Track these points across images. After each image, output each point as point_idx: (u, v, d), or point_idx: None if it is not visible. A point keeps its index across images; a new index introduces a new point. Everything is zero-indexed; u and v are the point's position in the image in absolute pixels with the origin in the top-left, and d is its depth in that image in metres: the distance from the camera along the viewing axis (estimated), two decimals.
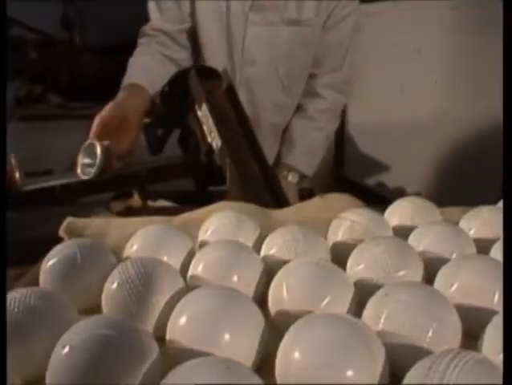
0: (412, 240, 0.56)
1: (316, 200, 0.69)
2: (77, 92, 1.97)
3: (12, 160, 0.72)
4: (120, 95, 0.93)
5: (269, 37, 1.04)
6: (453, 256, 0.52)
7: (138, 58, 1.04)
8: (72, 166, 0.79)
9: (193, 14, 1.05)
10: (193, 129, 0.85)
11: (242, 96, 0.98)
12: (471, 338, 0.38)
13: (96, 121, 0.85)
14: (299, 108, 1.18)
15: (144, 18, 1.09)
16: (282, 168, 1.15)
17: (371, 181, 1.67)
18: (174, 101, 0.89)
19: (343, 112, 1.32)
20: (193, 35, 1.08)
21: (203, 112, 0.80)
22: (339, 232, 0.58)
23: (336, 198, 0.70)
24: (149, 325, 0.41)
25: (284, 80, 1.10)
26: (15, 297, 0.39)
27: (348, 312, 0.42)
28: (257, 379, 0.31)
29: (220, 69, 0.87)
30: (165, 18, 1.05)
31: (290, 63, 1.08)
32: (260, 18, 1.03)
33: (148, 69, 1.00)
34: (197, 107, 0.82)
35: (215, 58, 1.05)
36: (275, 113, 1.15)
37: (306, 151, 1.17)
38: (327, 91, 1.15)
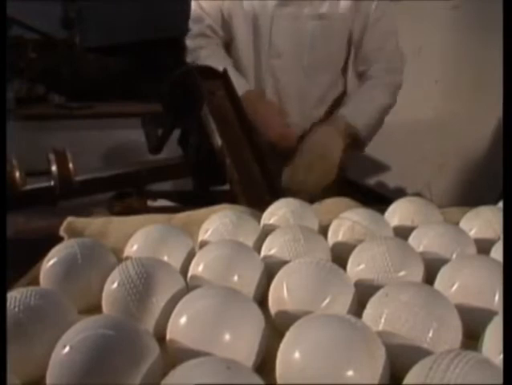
0: (412, 240, 0.56)
1: (315, 206, 0.68)
2: (77, 92, 1.97)
3: (12, 160, 0.72)
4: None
5: (294, 30, 1.12)
6: (454, 256, 0.52)
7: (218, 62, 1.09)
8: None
9: (222, 12, 1.16)
10: (194, 129, 0.85)
11: (268, 86, 1.15)
12: (471, 338, 0.38)
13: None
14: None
15: (144, 19, 1.09)
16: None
17: (371, 181, 1.67)
18: (174, 101, 0.89)
19: None
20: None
21: (204, 112, 0.80)
22: (339, 232, 0.58)
23: (335, 202, 0.69)
24: (149, 325, 0.41)
25: (308, 70, 1.15)
26: (15, 296, 0.39)
27: (348, 312, 0.42)
28: (257, 379, 0.31)
29: (248, 62, 1.05)
30: (210, 16, 1.16)
31: (314, 54, 1.14)
32: (285, 14, 1.11)
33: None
34: (198, 107, 0.82)
35: (243, 51, 1.16)
36: (300, 102, 1.18)
37: (359, 103, 1.12)
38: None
